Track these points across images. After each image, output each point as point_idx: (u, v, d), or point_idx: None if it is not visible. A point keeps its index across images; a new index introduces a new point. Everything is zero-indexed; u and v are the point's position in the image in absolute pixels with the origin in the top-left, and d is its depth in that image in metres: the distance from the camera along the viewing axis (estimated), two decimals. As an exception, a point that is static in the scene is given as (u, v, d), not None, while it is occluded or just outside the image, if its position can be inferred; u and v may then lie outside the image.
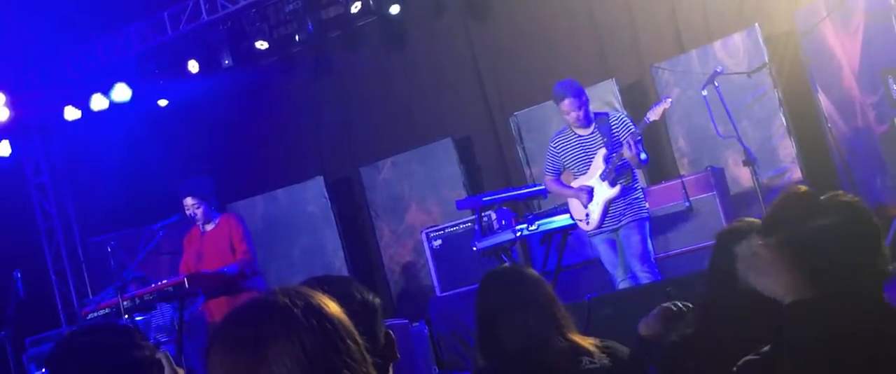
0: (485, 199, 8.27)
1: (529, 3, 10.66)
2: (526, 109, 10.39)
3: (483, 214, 8.37)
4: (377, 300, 2.60)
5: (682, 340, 3.40)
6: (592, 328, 5.93)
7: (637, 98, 9.94)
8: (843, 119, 8.94)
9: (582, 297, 6.79)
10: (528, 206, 9.64)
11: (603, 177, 7.31)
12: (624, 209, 7.33)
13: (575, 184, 7.49)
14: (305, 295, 1.80)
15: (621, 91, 9.85)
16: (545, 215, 8.13)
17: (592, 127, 7.41)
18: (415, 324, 9.02)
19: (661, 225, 8.49)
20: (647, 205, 7.52)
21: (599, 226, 7.38)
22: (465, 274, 9.38)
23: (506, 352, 3.44)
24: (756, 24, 9.21)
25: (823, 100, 8.99)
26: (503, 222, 8.03)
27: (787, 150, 9.16)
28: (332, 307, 1.82)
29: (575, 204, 7.53)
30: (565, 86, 7.43)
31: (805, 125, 9.29)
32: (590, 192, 7.36)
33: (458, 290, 9.55)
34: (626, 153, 7.09)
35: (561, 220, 7.82)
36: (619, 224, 7.35)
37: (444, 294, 9.70)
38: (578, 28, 10.46)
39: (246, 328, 1.77)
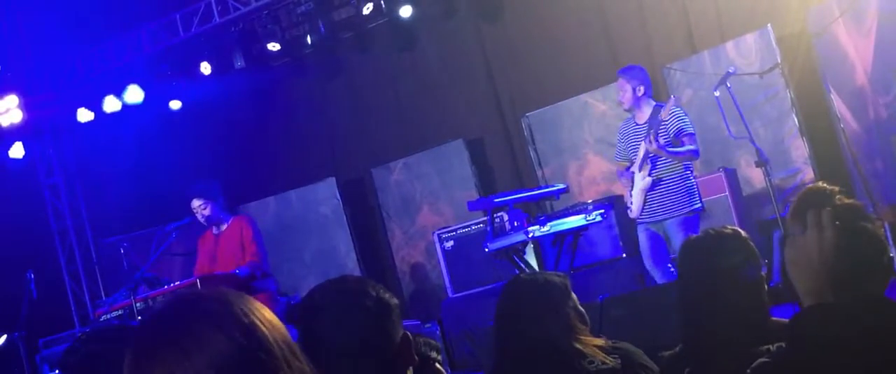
0: (497, 200, 8.27)
1: (541, 4, 10.64)
2: (538, 110, 10.39)
3: (495, 215, 8.36)
4: (394, 300, 2.57)
5: (671, 359, 3.40)
6: (604, 329, 5.94)
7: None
8: (855, 119, 8.91)
9: (594, 298, 6.79)
10: (541, 207, 9.63)
11: (639, 167, 7.47)
12: (664, 202, 7.43)
13: (630, 171, 7.67)
14: (237, 299, 1.65)
15: (633, 92, 9.85)
16: (557, 215, 8.11)
17: (648, 115, 7.52)
18: (427, 325, 9.04)
19: (673, 226, 8.48)
20: (696, 200, 7.47)
21: (640, 214, 7.53)
22: (477, 275, 9.39)
23: (518, 356, 3.45)
24: (768, 25, 9.18)
25: (836, 100, 8.97)
26: (515, 224, 8.03)
27: (800, 150, 9.13)
28: (266, 313, 1.66)
29: (626, 191, 7.71)
30: (624, 69, 7.75)
31: (817, 126, 9.26)
32: (632, 179, 7.56)
33: (469, 291, 9.55)
34: (649, 147, 7.23)
35: (573, 221, 7.81)
36: (660, 218, 7.44)
37: (456, 295, 9.70)
38: (590, 29, 10.44)
39: (171, 330, 1.61)
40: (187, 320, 1.61)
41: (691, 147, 7.36)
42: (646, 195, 7.45)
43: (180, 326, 1.60)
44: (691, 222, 7.37)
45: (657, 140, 7.18)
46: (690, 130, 7.42)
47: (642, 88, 7.55)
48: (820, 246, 2.35)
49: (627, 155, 7.71)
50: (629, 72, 7.65)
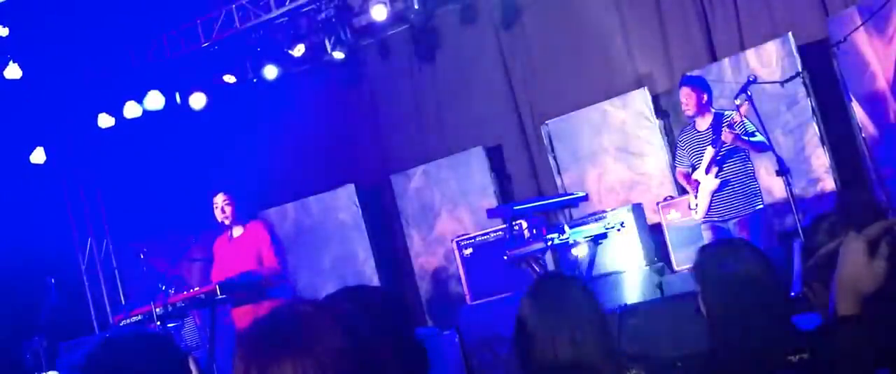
0: (516, 208, 8.27)
1: (560, 11, 10.63)
2: (557, 118, 10.38)
3: (514, 222, 8.36)
4: (408, 312, 2.60)
5: (697, 359, 3.37)
6: (622, 338, 5.93)
7: (669, 107, 9.91)
8: (876, 127, 8.86)
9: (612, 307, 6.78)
10: (560, 215, 9.62)
11: (707, 171, 7.74)
12: (729, 203, 7.72)
13: (693, 177, 7.94)
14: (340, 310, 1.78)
15: (653, 100, 9.83)
16: (576, 223, 8.11)
17: (709, 122, 7.79)
18: (445, 333, 9.02)
19: (692, 235, 8.45)
20: (759, 201, 7.75)
21: (706, 215, 7.81)
22: (496, 283, 9.38)
23: (541, 364, 3.41)
24: (789, 33, 9.15)
25: (857, 109, 8.92)
26: (534, 231, 8.02)
27: (821, 159, 9.09)
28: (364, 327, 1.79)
29: (692, 194, 8.01)
30: (687, 77, 8.09)
31: (839, 135, 9.22)
32: (696, 185, 7.84)
33: (488, 299, 9.54)
34: (726, 138, 7.46)
35: (592, 229, 7.80)
36: (726, 218, 7.72)
37: (475, 303, 9.69)
38: (610, 37, 10.42)
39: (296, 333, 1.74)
40: (309, 330, 1.73)
41: (762, 139, 7.60)
42: (712, 197, 7.73)
43: (303, 334, 1.72)
44: (754, 220, 7.66)
45: (733, 129, 7.45)
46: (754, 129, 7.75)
47: (706, 96, 7.86)
48: (853, 262, 2.35)
49: (691, 162, 7.99)
50: (696, 80, 7.98)
